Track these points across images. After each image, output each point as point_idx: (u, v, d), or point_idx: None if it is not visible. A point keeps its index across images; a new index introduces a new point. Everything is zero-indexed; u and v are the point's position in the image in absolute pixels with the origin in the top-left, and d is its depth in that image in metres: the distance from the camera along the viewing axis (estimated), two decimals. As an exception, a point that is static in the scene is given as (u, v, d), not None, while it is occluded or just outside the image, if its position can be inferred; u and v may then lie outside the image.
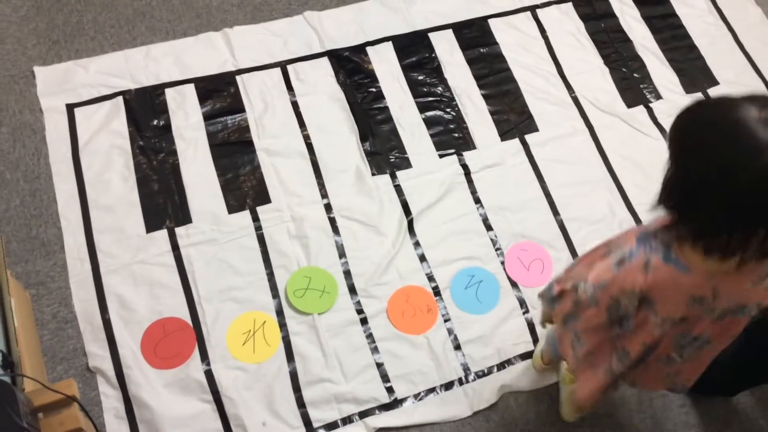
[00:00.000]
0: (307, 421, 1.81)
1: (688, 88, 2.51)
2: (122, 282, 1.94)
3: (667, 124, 2.29)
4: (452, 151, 2.27)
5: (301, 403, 1.83)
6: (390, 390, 1.87)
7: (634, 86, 2.49)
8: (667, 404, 1.93)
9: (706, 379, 1.89)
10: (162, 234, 2.02)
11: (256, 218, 2.07)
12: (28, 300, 1.88)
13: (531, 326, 2.00)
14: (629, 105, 2.44)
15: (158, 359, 1.85)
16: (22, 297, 1.81)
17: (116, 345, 1.86)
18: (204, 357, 1.87)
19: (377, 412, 1.84)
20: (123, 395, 1.81)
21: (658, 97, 2.47)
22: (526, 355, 1.95)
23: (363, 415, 1.83)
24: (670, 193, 1.11)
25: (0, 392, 1.26)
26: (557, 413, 1.89)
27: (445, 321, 1.98)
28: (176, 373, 1.84)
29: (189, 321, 1.91)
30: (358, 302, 1.98)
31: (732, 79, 2.55)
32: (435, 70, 2.42)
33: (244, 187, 2.12)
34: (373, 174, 2.19)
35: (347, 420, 1.82)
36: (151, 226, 2.03)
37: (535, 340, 1.98)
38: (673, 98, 2.47)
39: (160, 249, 2.00)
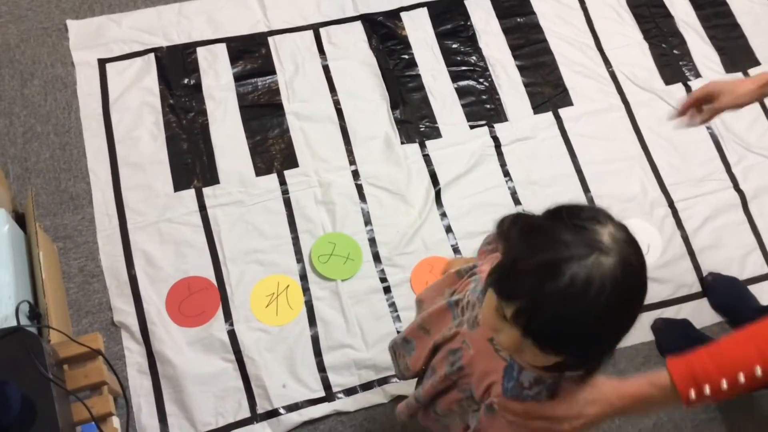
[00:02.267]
0: (326, 385, 1.82)
1: (729, 67, 2.44)
2: (149, 239, 1.95)
3: (707, 103, 2.20)
4: (483, 122, 2.24)
5: (321, 368, 1.84)
6: (410, 359, 1.87)
7: (673, 63, 2.42)
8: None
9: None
10: (189, 193, 2.03)
11: (283, 182, 2.07)
12: (55, 253, 1.90)
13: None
14: (667, 82, 2.38)
15: (182, 317, 1.87)
16: (49, 249, 1.83)
17: (141, 301, 1.88)
18: (227, 317, 1.88)
19: (396, 380, 1.84)
20: (146, 351, 1.83)
21: (698, 75, 2.41)
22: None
23: (382, 382, 1.84)
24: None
25: (27, 343, 1.27)
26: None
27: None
28: (199, 332, 1.85)
29: (214, 281, 1.92)
30: (382, 270, 1.98)
31: (775, 60, 2.47)
32: (470, 38, 2.38)
33: (272, 150, 2.11)
34: (402, 142, 2.17)
35: (366, 386, 1.83)
36: (179, 185, 2.04)
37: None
38: (712, 77, 2.40)
39: (188, 208, 2.00)
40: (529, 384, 1.04)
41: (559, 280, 0.82)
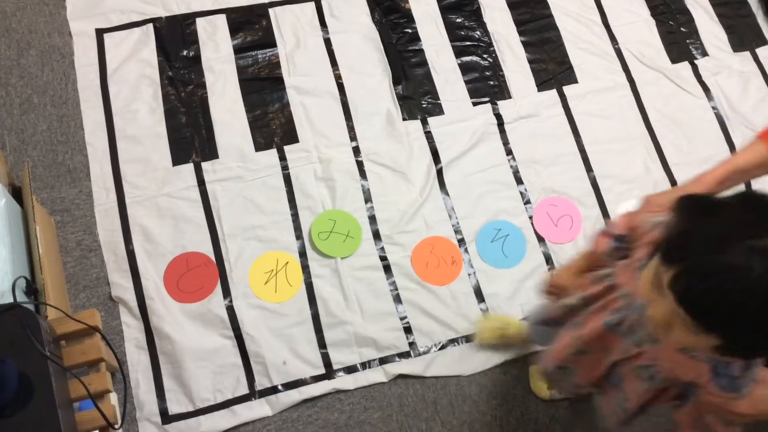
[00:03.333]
0: (327, 362, 1.82)
1: (737, 46, 2.41)
2: (147, 214, 1.94)
3: (711, 82, 2.21)
4: (486, 99, 2.21)
5: (322, 344, 1.83)
6: (410, 339, 1.86)
7: (680, 41, 2.39)
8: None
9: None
10: (188, 168, 2.00)
11: (283, 157, 2.04)
12: (52, 226, 1.89)
13: (556, 283, 1.97)
14: (674, 60, 2.35)
15: (181, 293, 1.86)
16: (46, 223, 1.81)
17: (139, 276, 1.86)
18: (226, 293, 1.87)
19: (397, 359, 1.84)
20: (144, 326, 1.82)
21: (705, 53, 2.38)
22: (549, 312, 1.93)
23: (383, 361, 1.84)
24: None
25: (24, 319, 1.26)
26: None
27: (469, 274, 1.96)
28: (198, 308, 1.85)
29: (212, 257, 1.91)
30: (382, 248, 1.96)
31: (784, 39, 2.44)
32: (474, 13, 2.34)
33: (272, 125, 2.09)
34: (404, 119, 2.14)
35: (366, 365, 1.83)
36: (177, 159, 2.01)
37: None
38: (719, 56, 2.37)
39: (186, 183, 1.98)
40: (740, 372, 1.05)
41: (730, 253, 0.83)
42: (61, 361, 1.36)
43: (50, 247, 1.78)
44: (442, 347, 1.87)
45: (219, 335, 1.83)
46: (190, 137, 2.04)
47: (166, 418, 1.74)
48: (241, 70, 2.15)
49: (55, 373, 1.27)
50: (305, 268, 1.92)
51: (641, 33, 2.38)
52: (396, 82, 2.18)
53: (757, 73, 2.36)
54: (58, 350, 1.39)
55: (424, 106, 2.17)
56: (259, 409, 1.77)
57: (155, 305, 1.83)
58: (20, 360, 1.21)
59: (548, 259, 2.00)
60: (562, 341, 1.35)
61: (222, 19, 2.22)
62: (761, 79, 2.34)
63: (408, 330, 1.87)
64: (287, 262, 1.92)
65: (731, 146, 2.21)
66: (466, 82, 2.23)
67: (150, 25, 2.17)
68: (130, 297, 1.84)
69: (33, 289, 1.52)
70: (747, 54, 2.40)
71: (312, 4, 2.28)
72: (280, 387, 1.78)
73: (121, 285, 1.85)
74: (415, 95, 2.18)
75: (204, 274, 1.89)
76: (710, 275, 0.85)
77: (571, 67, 2.29)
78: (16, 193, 1.77)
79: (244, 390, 1.78)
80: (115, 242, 1.90)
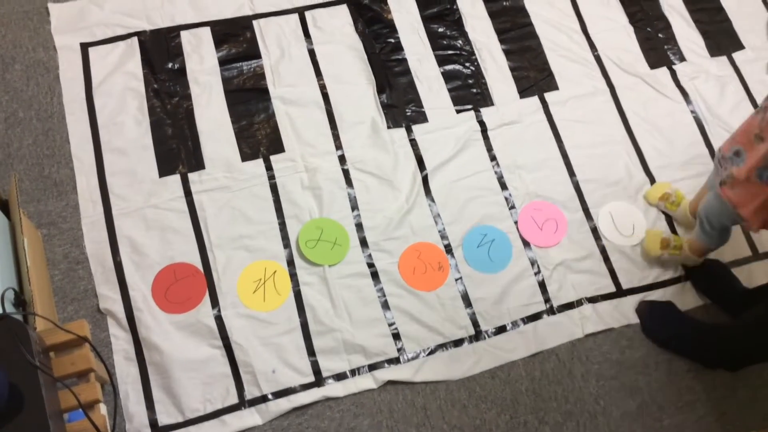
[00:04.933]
0: (316, 370, 1.82)
1: (713, 51, 2.45)
2: (134, 225, 1.94)
3: (689, 87, 2.26)
4: (470, 106, 2.23)
5: (311, 352, 1.84)
6: (399, 345, 1.87)
7: (658, 47, 2.43)
8: (673, 368, 1.94)
9: (710, 352, 1.91)
10: (175, 179, 2.01)
11: (269, 167, 2.06)
12: (39, 239, 1.88)
13: (543, 287, 1.99)
14: (652, 66, 2.39)
15: (169, 303, 1.86)
16: (34, 236, 1.81)
17: (127, 288, 1.86)
18: (214, 303, 1.87)
19: (386, 365, 1.85)
20: (133, 337, 1.82)
21: (682, 59, 2.42)
22: (535, 317, 1.95)
23: (372, 367, 1.84)
24: None
25: (13, 330, 1.25)
26: (562, 371, 1.90)
27: (456, 279, 1.97)
28: (186, 318, 1.85)
29: (200, 267, 1.91)
30: (369, 256, 1.98)
31: (758, 45, 2.48)
32: (456, 22, 2.37)
33: (258, 135, 2.10)
34: (388, 127, 2.16)
35: (356, 371, 1.84)
36: (164, 170, 2.02)
37: (547, 300, 1.97)
38: (697, 61, 2.41)
39: (173, 194, 1.99)
40: None
41: None
42: (51, 371, 1.36)
43: (38, 259, 1.77)
44: (431, 352, 1.88)
45: (208, 345, 1.83)
46: (177, 148, 2.05)
47: (156, 429, 1.74)
48: (226, 81, 2.16)
49: (46, 383, 1.27)
50: (293, 277, 1.93)
51: (620, 40, 2.43)
52: (380, 91, 2.21)
53: (733, 76, 2.40)
54: (47, 361, 1.39)
55: (409, 114, 2.20)
56: (249, 418, 1.77)
57: (143, 316, 1.83)
58: (10, 370, 1.21)
59: (534, 263, 2.02)
60: (745, 124, 1.54)
61: (206, 31, 2.23)
62: (738, 83, 2.39)
63: (396, 336, 1.89)
64: (275, 271, 1.93)
65: (710, 148, 2.25)
66: (450, 90, 2.25)
67: (135, 39, 2.18)
68: (118, 309, 1.84)
69: (21, 300, 1.52)
70: (724, 59, 2.44)
71: (296, 16, 2.30)
72: (269, 396, 1.79)
73: (109, 297, 1.85)
74: (399, 104, 2.20)
75: (192, 284, 1.89)
76: None
77: (551, 74, 2.32)
78: (3, 207, 1.77)
79: (233, 399, 1.78)
80: (102, 254, 1.90)
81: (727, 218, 1.74)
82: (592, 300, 1.99)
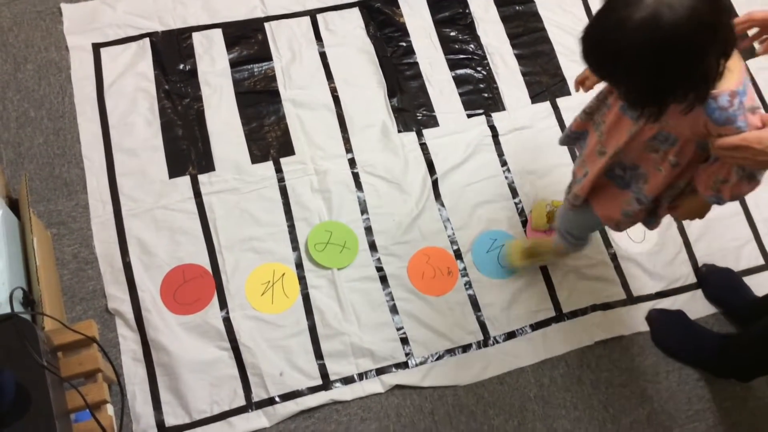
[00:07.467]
0: (324, 373, 1.82)
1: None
2: (144, 226, 1.94)
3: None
4: (481, 111, 2.23)
5: (319, 355, 1.84)
6: (407, 349, 1.87)
7: (671, 53, 2.41)
8: (683, 377, 1.92)
9: (721, 361, 1.89)
10: (185, 180, 2.01)
11: (279, 170, 2.05)
12: (49, 239, 1.89)
13: (552, 293, 1.98)
14: (665, 72, 2.37)
15: (177, 304, 1.86)
16: (43, 236, 1.81)
17: (136, 288, 1.86)
18: (223, 305, 1.87)
19: (394, 369, 1.84)
20: (141, 338, 1.82)
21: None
22: (544, 323, 1.94)
23: (380, 372, 1.84)
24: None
25: (21, 330, 1.26)
26: (571, 378, 1.88)
27: (465, 284, 1.96)
28: (194, 319, 1.85)
29: (209, 268, 1.91)
30: (378, 260, 1.97)
31: None
32: (468, 26, 2.36)
33: (268, 137, 2.10)
34: (399, 131, 2.15)
35: (363, 375, 1.83)
36: (174, 171, 2.02)
37: (556, 306, 1.96)
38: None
39: (183, 195, 1.99)
40: (728, 104, 1.14)
41: (609, 11, 1.07)
42: (59, 371, 1.36)
43: (47, 259, 1.78)
44: (439, 357, 1.87)
45: (216, 347, 1.83)
46: (187, 150, 2.05)
47: (163, 430, 1.74)
48: (237, 83, 2.17)
49: (53, 383, 1.27)
50: (302, 280, 1.93)
51: (633, 45, 2.41)
52: (391, 94, 2.20)
53: None
54: (55, 361, 1.39)
55: (419, 118, 2.19)
56: (256, 420, 1.77)
57: (152, 317, 1.83)
58: (18, 370, 1.21)
59: (543, 270, 2.01)
60: (589, 145, 1.53)
61: (218, 33, 2.23)
62: None
63: (405, 340, 1.88)
64: (284, 274, 1.92)
65: None
66: (461, 95, 2.25)
67: (146, 40, 2.19)
68: (127, 309, 1.84)
69: (30, 300, 1.52)
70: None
71: (307, 18, 2.30)
72: (277, 398, 1.78)
73: (117, 297, 1.86)
74: (410, 107, 2.20)
75: (200, 285, 1.89)
76: (593, 31, 1.11)
77: (564, 80, 2.31)
78: (13, 206, 1.77)
79: (241, 402, 1.78)
80: (111, 254, 1.90)
81: (588, 228, 1.80)
82: (602, 307, 1.98)
